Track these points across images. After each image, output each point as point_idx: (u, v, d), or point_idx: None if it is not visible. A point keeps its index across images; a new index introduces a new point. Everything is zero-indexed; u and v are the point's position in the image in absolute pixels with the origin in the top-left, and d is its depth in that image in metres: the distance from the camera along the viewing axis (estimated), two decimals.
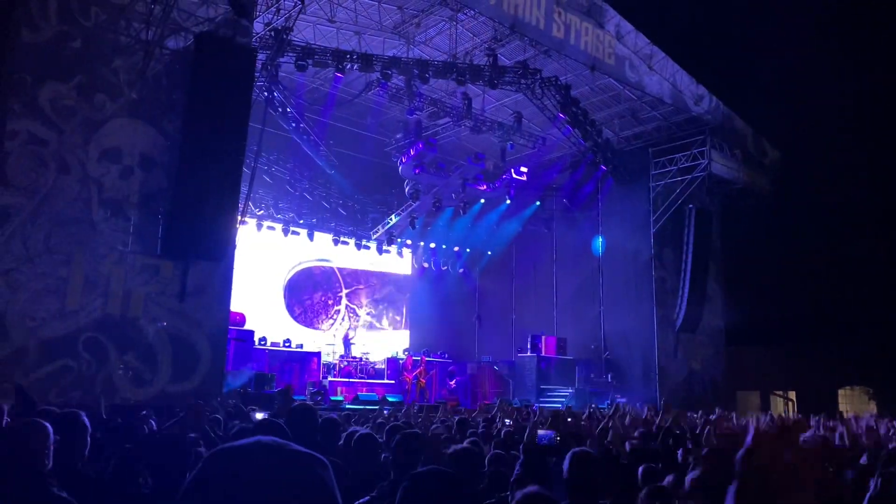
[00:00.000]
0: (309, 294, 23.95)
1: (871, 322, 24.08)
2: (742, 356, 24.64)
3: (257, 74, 15.01)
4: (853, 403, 24.97)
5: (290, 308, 23.32)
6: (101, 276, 12.07)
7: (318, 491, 0.90)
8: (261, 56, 15.28)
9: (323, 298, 24.25)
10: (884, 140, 24.87)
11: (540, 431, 3.82)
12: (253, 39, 14.84)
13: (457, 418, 7.90)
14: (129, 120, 12.65)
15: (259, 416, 8.56)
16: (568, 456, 3.33)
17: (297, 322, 23.22)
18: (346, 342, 22.07)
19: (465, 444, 4.42)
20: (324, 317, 24.10)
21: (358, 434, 4.22)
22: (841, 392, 25.90)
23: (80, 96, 12.20)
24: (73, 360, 11.56)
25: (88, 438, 3.41)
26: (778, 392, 27.46)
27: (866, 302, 24.42)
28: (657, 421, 8.47)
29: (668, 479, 4.53)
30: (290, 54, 16.64)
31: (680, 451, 5.56)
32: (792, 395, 27.04)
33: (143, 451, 3.54)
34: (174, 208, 12.48)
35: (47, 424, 3.04)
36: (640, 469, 5.10)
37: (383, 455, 4.40)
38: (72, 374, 11.51)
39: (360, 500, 3.22)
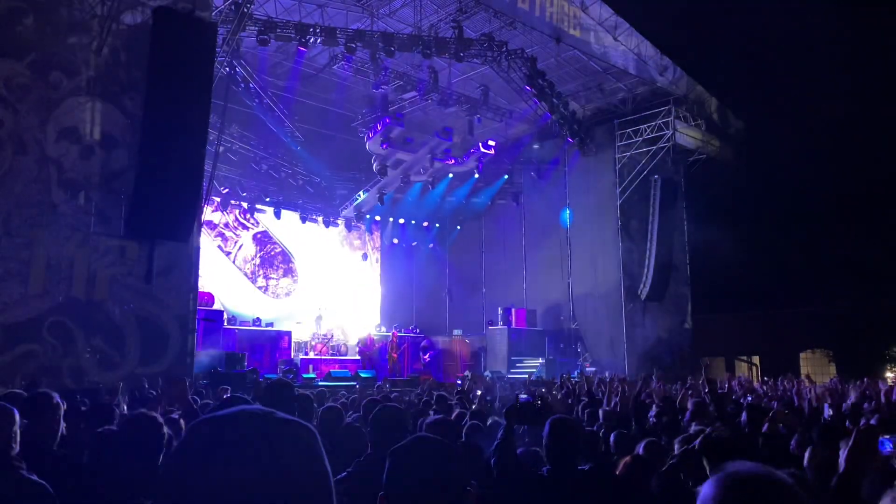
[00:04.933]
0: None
1: (830, 288, 24.72)
2: (707, 323, 25.14)
3: (218, 49, 14.69)
4: (814, 366, 25.69)
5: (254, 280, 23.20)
6: (63, 259, 11.84)
7: (308, 458, 0.87)
8: (221, 30, 14.94)
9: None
10: (847, 109, 25.31)
11: (521, 396, 3.88)
12: (213, 13, 14.50)
13: (435, 394, 7.95)
14: (87, 98, 12.33)
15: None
16: (548, 423, 3.38)
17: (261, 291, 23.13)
18: (317, 321, 22.01)
19: (445, 415, 4.47)
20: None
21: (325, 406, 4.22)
22: (802, 356, 26.63)
23: (35, 74, 11.84)
24: (38, 345, 11.36)
25: (62, 419, 3.36)
26: (742, 357, 28.14)
27: (826, 269, 25.04)
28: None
29: (640, 445, 4.64)
30: (252, 28, 16.30)
31: (652, 416, 5.68)
32: (756, 359, 27.73)
33: (117, 432, 3.50)
34: (137, 188, 12.24)
35: (12, 408, 2.98)
36: (612, 436, 5.22)
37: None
38: (37, 360, 11.31)
39: (338, 476, 3.21)
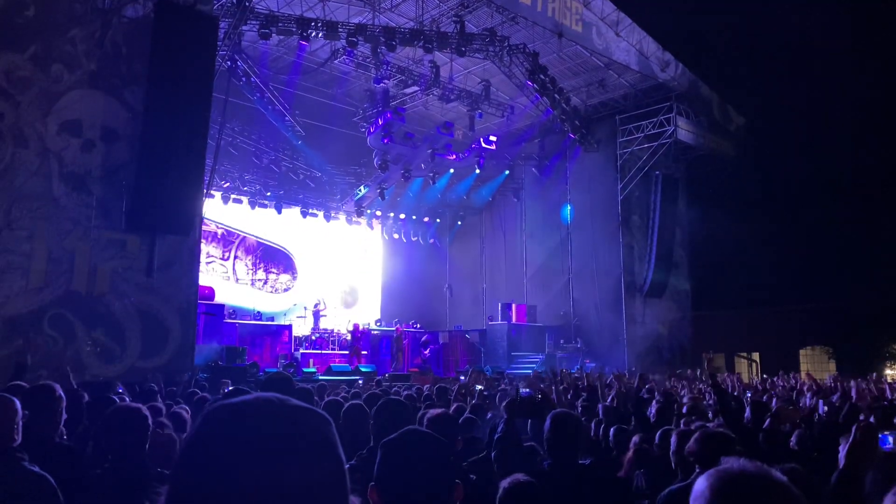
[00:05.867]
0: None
1: (831, 284, 24.72)
2: (707, 319, 25.14)
3: (220, 43, 14.67)
4: (814, 363, 25.70)
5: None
6: (65, 252, 11.85)
7: (322, 446, 0.87)
8: (223, 24, 14.93)
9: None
10: (848, 105, 25.29)
11: (522, 389, 3.90)
12: (214, 7, 14.48)
13: (436, 386, 7.98)
14: (88, 91, 12.32)
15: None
16: (549, 416, 3.39)
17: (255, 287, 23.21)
18: (316, 315, 22.01)
19: (446, 409, 4.48)
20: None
21: (348, 405, 4.24)
22: (802, 352, 26.62)
23: (36, 67, 11.83)
24: (39, 338, 11.37)
25: (63, 410, 3.37)
26: (742, 354, 28.13)
27: (826, 265, 25.05)
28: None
29: (635, 439, 4.66)
30: (253, 22, 16.27)
31: (652, 412, 5.69)
32: (756, 356, 27.72)
33: (104, 423, 3.50)
34: (138, 182, 12.25)
35: (14, 399, 2.99)
36: (612, 430, 5.24)
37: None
38: (38, 352, 11.32)
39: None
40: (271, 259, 23.83)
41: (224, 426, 0.85)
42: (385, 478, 1.78)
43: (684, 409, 5.75)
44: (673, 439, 3.74)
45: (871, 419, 5.39)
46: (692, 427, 4.62)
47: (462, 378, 14.49)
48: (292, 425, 0.86)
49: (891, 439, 2.18)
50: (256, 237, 23.33)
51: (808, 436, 4.28)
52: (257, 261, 23.39)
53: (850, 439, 2.24)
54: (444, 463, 1.85)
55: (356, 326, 20.42)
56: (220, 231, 22.30)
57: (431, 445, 1.88)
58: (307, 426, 0.87)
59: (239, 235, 22.91)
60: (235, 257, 22.89)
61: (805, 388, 9.21)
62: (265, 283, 23.52)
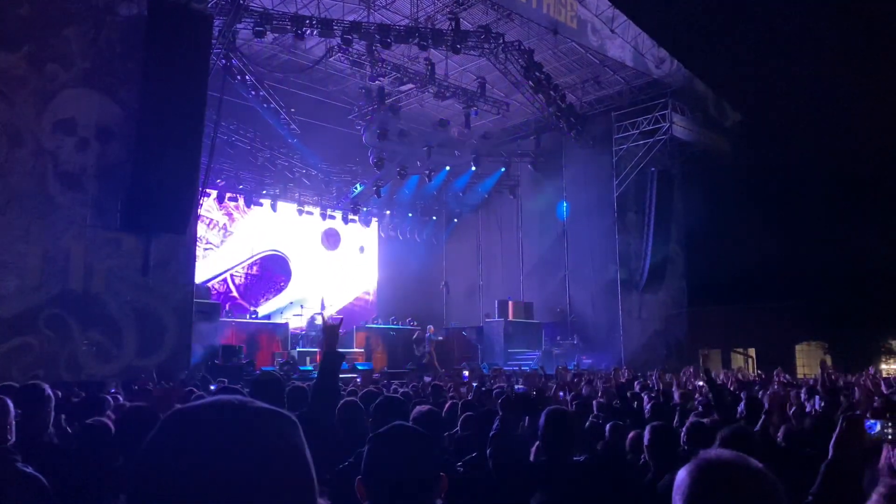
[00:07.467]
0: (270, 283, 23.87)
1: (826, 280, 24.79)
2: (704, 315, 25.20)
3: (214, 41, 14.65)
4: (810, 358, 25.79)
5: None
6: (60, 252, 11.83)
7: (283, 449, 0.84)
8: (217, 22, 14.89)
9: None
10: (845, 101, 25.35)
11: (516, 386, 3.93)
12: (209, 4, 14.45)
13: (431, 385, 7.99)
14: (83, 90, 12.29)
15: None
16: (543, 413, 3.41)
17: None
18: (311, 320, 21.92)
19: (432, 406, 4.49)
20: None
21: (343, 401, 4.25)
22: (798, 347, 26.71)
23: (30, 66, 11.80)
24: (34, 338, 11.37)
25: (52, 409, 3.38)
26: (738, 349, 28.21)
27: (823, 261, 25.09)
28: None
29: (631, 435, 4.68)
30: (248, 20, 16.24)
31: (647, 408, 5.71)
32: (751, 352, 27.81)
33: (115, 422, 3.51)
34: (134, 180, 12.24)
35: (7, 399, 3.00)
36: (608, 426, 5.25)
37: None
38: (33, 352, 11.32)
39: (340, 466, 3.24)
40: (268, 265, 23.75)
41: (180, 431, 0.84)
42: (370, 471, 1.82)
43: (672, 402, 5.77)
44: (646, 434, 3.76)
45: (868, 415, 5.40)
46: (689, 422, 4.64)
47: (465, 375, 14.57)
48: (250, 428, 0.84)
49: (876, 425, 2.20)
50: (242, 263, 23.13)
51: (797, 431, 4.29)
52: (257, 278, 23.41)
53: (837, 429, 2.27)
54: (428, 456, 1.89)
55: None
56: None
57: (415, 439, 1.92)
58: (267, 429, 0.85)
59: (224, 280, 22.63)
60: (241, 292, 22.83)
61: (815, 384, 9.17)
62: (261, 279, 23.50)
